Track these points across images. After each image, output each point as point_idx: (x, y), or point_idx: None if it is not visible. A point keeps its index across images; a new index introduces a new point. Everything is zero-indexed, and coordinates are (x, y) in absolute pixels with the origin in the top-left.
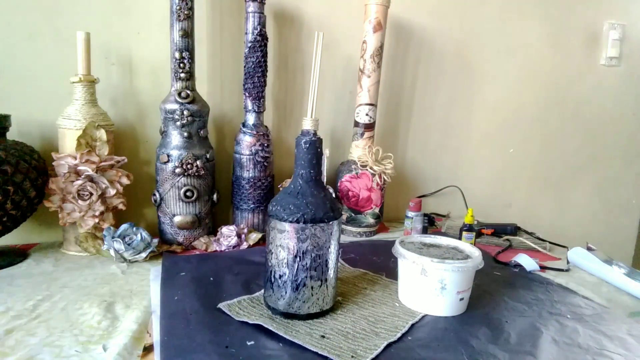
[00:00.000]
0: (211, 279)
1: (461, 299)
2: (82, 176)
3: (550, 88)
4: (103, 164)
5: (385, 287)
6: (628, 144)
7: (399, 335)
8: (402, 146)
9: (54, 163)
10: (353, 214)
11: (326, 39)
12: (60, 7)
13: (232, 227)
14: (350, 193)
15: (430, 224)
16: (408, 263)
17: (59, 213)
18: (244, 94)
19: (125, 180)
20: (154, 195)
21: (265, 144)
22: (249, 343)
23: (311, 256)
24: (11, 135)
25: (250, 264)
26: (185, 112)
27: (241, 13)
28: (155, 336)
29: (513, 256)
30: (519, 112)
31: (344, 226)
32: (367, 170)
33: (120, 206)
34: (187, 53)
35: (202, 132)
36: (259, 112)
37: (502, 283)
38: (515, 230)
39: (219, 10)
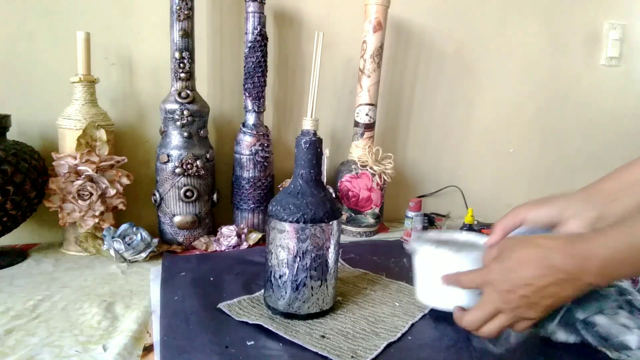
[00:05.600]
0: (211, 279)
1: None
2: (82, 176)
3: (550, 88)
4: (103, 164)
5: (385, 287)
6: (628, 144)
7: (399, 335)
8: (402, 146)
9: (54, 163)
10: (353, 214)
11: (326, 39)
12: (60, 7)
13: (232, 227)
14: (350, 193)
15: (430, 224)
16: (426, 258)
17: (59, 213)
18: (244, 94)
19: (125, 180)
20: (154, 195)
21: (265, 144)
22: (249, 343)
23: (311, 256)
24: (11, 135)
25: (250, 264)
26: (185, 112)
27: (241, 13)
28: (155, 336)
29: None
30: (519, 112)
31: (344, 226)
32: (367, 170)
33: (120, 206)
34: (187, 53)
35: (202, 132)
36: (259, 112)
37: None
38: None
39: (219, 10)
